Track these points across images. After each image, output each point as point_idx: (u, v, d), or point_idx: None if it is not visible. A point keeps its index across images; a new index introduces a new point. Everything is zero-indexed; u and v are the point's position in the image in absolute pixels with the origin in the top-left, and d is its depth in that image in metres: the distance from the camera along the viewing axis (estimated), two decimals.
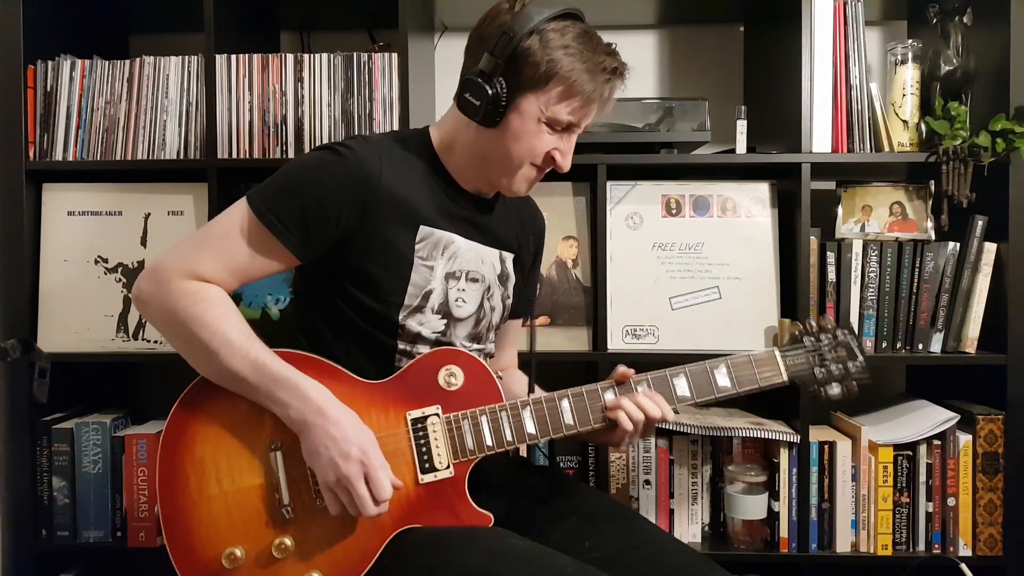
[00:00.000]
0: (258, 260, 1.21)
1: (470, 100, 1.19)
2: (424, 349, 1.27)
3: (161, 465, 1.20)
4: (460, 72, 1.25)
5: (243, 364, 1.15)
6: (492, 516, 1.21)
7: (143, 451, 1.73)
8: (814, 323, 1.32)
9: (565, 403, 1.25)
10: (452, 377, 1.24)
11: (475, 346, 1.34)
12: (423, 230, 1.25)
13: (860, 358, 1.30)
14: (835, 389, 1.29)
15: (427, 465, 1.20)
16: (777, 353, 1.29)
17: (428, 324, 1.27)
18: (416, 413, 1.22)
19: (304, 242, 1.21)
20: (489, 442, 1.22)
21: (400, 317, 1.25)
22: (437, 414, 1.22)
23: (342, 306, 1.25)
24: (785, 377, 1.28)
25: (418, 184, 1.26)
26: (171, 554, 1.18)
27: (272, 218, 1.19)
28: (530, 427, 1.24)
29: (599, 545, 1.22)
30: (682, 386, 1.27)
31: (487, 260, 1.34)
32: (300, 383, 1.15)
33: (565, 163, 1.25)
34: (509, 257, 1.40)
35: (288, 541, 1.17)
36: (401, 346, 1.26)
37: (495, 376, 1.26)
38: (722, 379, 1.27)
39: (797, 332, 1.32)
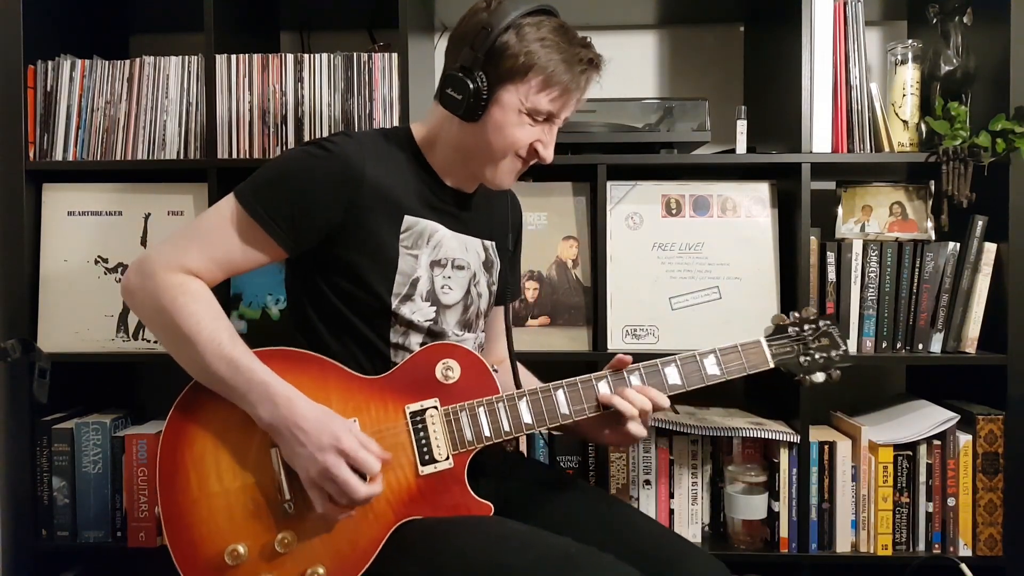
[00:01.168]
0: (246, 252, 1.23)
1: (452, 95, 1.23)
2: (417, 339, 1.29)
3: (161, 462, 1.21)
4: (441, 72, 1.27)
5: (218, 362, 1.16)
6: (492, 506, 1.22)
7: (143, 451, 1.73)
8: (797, 314, 1.37)
9: (560, 393, 1.27)
10: (449, 371, 1.25)
11: (467, 334, 1.36)
12: (407, 220, 1.27)
13: (842, 347, 1.36)
14: (819, 376, 1.35)
15: (427, 457, 1.22)
16: (763, 341, 1.34)
17: (419, 312, 1.29)
18: (415, 406, 1.23)
19: (291, 235, 1.22)
20: (487, 433, 1.24)
21: (392, 306, 1.26)
22: (435, 407, 1.23)
23: (334, 300, 1.27)
24: (771, 363, 1.33)
25: (402, 177, 1.29)
26: (172, 552, 1.18)
27: (260, 210, 1.21)
28: (527, 417, 1.25)
29: (589, 534, 1.22)
30: (673, 375, 1.29)
31: (471, 248, 1.37)
32: (270, 385, 1.16)
33: (547, 154, 1.28)
34: (491, 245, 1.42)
35: (291, 536, 1.18)
36: (394, 339, 1.28)
37: (491, 369, 1.28)
38: (711, 367, 1.31)
39: (781, 322, 1.36)
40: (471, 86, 1.20)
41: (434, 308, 1.31)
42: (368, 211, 1.24)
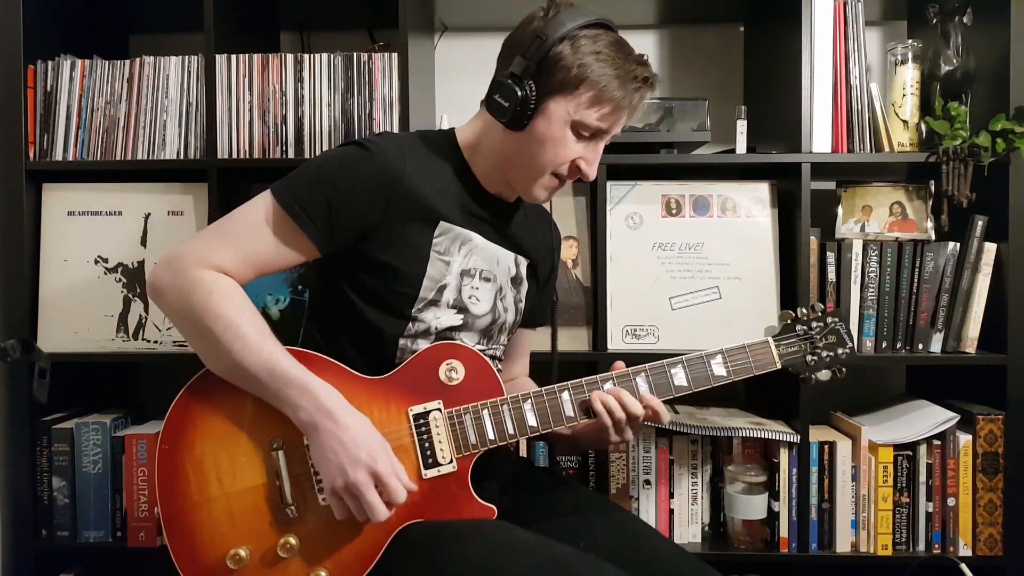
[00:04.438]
0: (279, 251, 1.22)
1: (499, 102, 1.21)
2: (425, 344, 1.27)
3: (160, 465, 1.20)
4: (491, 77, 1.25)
5: (255, 361, 1.15)
6: (495, 508, 1.22)
7: (143, 451, 1.73)
8: (805, 310, 1.35)
9: (565, 395, 1.26)
10: (453, 372, 1.24)
11: (487, 350, 1.35)
12: (442, 225, 1.26)
13: (849, 344, 1.35)
14: (824, 374, 1.34)
15: (430, 460, 1.21)
16: (771, 341, 1.32)
17: (443, 318, 1.28)
18: (418, 408, 1.22)
19: (327, 234, 1.22)
20: (491, 436, 1.22)
21: (413, 309, 1.25)
22: (439, 409, 1.22)
23: (354, 299, 1.26)
24: (779, 364, 1.32)
25: (441, 181, 1.28)
26: (173, 556, 1.18)
27: (297, 208, 1.20)
28: (531, 420, 1.24)
29: (593, 545, 1.22)
30: (679, 376, 1.28)
31: (502, 262, 1.35)
32: (311, 384, 1.15)
33: (591, 171, 1.26)
34: (524, 263, 1.40)
35: (293, 540, 1.17)
36: (402, 342, 1.27)
37: (495, 369, 1.27)
38: (718, 368, 1.29)
39: (789, 320, 1.35)
40: (519, 94, 1.18)
41: (460, 316, 1.30)
42: (404, 214, 1.23)
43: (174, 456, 1.20)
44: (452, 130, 1.34)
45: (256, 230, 1.21)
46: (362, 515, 1.13)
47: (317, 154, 1.71)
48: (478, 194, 1.31)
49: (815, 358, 1.33)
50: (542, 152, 1.22)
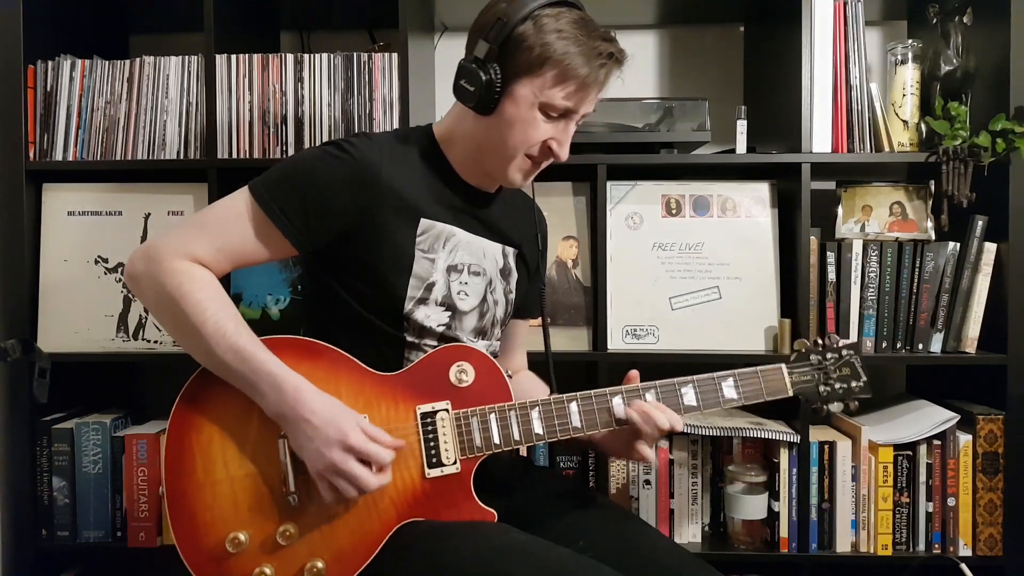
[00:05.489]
0: (255, 246, 1.22)
1: (465, 87, 1.21)
2: (432, 343, 1.28)
3: (168, 444, 1.20)
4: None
5: (224, 351, 1.15)
6: (496, 513, 1.22)
7: (143, 451, 1.73)
8: (821, 341, 1.35)
9: (573, 406, 1.25)
10: (463, 374, 1.24)
11: (481, 342, 1.35)
12: (424, 223, 1.26)
13: (863, 378, 1.34)
14: (836, 406, 1.34)
15: (434, 460, 1.21)
16: (784, 369, 1.32)
17: (433, 316, 1.28)
18: (425, 407, 1.22)
19: (302, 232, 1.22)
20: (496, 440, 1.22)
21: (405, 309, 1.25)
22: (447, 410, 1.22)
23: (347, 299, 1.26)
24: (791, 392, 1.31)
25: (419, 178, 1.27)
26: (174, 535, 1.19)
27: (273, 205, 1.21)
28: (538, 428, 1.24)
29: (593, 544, 1.22)
30: (689, 396, 1.27)
31: (489, 254, 1.35)
32: (278, 375, 1.15)
33: (563, 152, 1.25)
34: (512, 252, 1.40)
35: (293, 528, 1.18)
36: (409, 339, 1.27)
37: (505, 375, 1.27)
38: (729, 391, 1.29)
39: (804, 349, 1.35)
40: (484, 78, 1.18)
41: (448, 313, 1.29)
42: (384, 214, 1.23)
43: (183, 437, 1.20)
44: (429, 125, 1.34)
45: (233, 225, 1.22)
46: (350, 491, 1.13)
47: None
48: (457, 186, 1.31)
49: (828, 389, 1.33)
50: (512, 135, 1.22)
